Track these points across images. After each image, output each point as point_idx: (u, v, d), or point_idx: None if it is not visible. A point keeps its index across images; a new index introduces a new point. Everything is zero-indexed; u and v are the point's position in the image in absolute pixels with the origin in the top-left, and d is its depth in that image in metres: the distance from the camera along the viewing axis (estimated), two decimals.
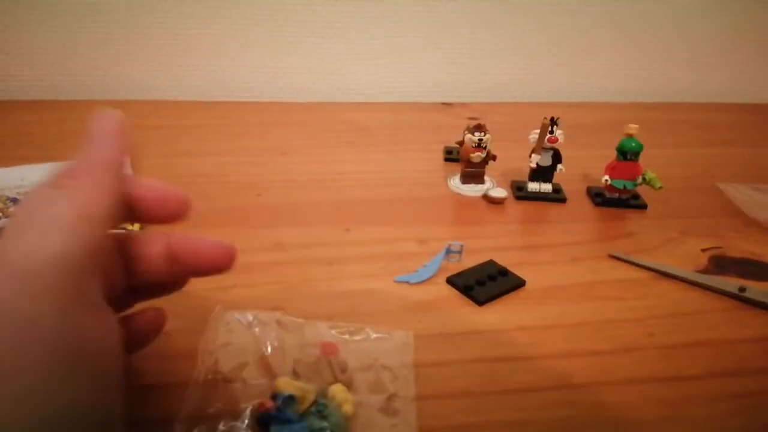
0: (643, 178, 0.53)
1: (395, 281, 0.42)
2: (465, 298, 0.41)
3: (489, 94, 0.82)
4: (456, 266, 0.43)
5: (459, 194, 0.55)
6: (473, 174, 0.55)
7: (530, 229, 0.51)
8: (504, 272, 0.43)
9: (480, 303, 0.40)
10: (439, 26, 0.78)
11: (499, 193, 0.54)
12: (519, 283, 0.42)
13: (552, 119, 0.52)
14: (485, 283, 0.41)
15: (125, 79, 0.74)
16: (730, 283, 0.43)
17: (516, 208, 0.54)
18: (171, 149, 0.60)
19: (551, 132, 0.52)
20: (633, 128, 0.52)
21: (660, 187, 0.53)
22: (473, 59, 0.80)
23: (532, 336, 0.38)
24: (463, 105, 0.78)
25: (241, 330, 0.34)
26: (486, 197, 0.54)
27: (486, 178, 0.56)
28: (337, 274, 0.42)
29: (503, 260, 0.44)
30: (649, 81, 0.86)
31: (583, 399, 0.33)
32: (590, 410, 0.32)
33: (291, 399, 0.29)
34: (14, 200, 0.47)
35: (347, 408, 0.30)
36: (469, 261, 0.44)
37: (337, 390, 0.30)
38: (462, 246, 0.44)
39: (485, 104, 0.79)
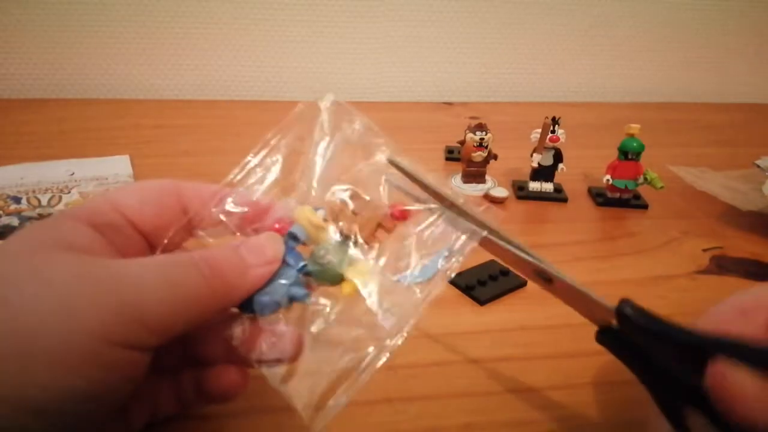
0: (645, 178, 0.53)
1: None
2: (466, 298, 0.40)
3: (490, 94, 0.82)
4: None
5: (460, 193, 0.55)
6: (474, 173, 0.55)
7: (531, 229, 0.51)
8: (505, 272, 0.42)
9: (481, 303, 0.40)
10: (440, 25, 0.78)
11: (501, 192, 0.53)
12: (520, 283, 0.42)
13: (553, 119, 0.52)
14: (486, 283, 0.41)
15: (125, 78, 0.74)
16: None
17: (517, 208, 0.53)
18: (171, 149, 0.60)
19: (553, 131, 0.52)
20: (634, 128, 0.52)
21: (661, 187, 0.53)
22: (474, 59, 0.80)
23: (532, 336, 0.37)
24: (463, 104, 0.78)
25: None
26: (487, 196, 0.54)
27: (487, 177, 0.56)
28: None
29: None
30: (649, 81, 0.85)
31: (584, 399, 0.33)
32: (591, 410, 0.32)
33: (294, 238, 0.26)
34: (15, 198, 0.47)
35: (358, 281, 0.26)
36: (471, 260, 0.44)
37: (364, 263, 0.27)
38: None
39: (486, 104, 0.79)
